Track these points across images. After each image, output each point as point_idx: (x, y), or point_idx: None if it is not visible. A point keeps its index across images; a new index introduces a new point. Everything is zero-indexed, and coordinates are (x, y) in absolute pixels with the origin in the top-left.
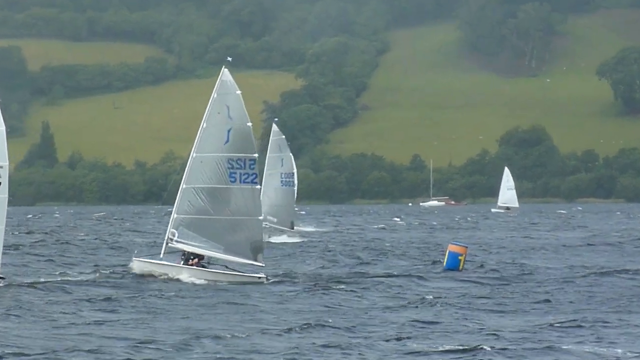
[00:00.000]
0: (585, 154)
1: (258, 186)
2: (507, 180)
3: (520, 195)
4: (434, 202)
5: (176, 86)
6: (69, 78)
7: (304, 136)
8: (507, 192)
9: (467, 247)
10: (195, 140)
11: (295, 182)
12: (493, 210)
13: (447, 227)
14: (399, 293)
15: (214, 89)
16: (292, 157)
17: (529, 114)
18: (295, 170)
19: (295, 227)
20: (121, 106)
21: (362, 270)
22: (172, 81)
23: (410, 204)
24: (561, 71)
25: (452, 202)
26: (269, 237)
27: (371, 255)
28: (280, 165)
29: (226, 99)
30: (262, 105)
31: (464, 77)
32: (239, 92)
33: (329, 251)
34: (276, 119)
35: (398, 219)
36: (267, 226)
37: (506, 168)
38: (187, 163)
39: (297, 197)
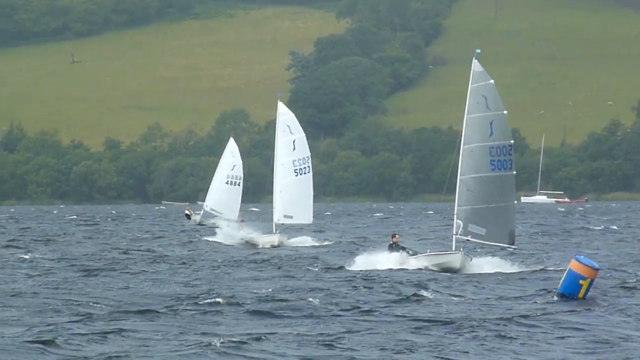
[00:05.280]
0: None
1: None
2: None
3: None
4: (539, 198)
5: (162, 31)
6: (4, 18)
7: (349, 103)
8: None
9: (598, 269)
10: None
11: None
12: None
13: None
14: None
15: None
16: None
17: None
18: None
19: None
20: (82, 59)
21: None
22: (157, 24)
23: None
24: None
25: (567, 200)
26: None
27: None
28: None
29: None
30: (288, 58)
31: (584, 14)
32: (492, 81)
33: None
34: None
35: None
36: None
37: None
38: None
39: (338, 192)
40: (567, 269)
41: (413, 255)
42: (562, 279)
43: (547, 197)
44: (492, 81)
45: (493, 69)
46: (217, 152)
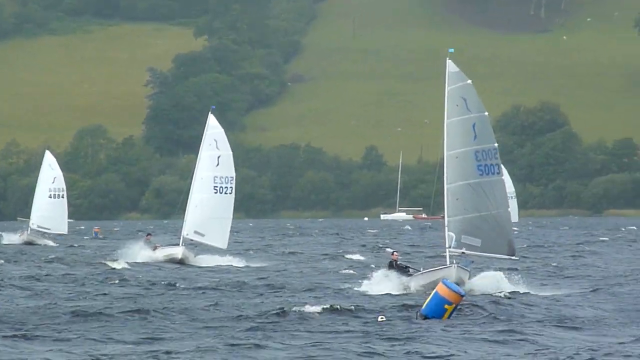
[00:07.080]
0: (619, 145)
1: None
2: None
3: (524, 205)
4: (399, 215)
5: (19, 47)
6: None
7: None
8: None
9: (463, 295)
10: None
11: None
12: None
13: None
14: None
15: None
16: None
17: (536, 87)
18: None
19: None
20: None
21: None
22: (13, 39)
23: (365, 219)
24: (584, 24)
25: (424, 216)
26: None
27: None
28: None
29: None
30: (146, 75)
31: (442, 34)
32: (469, 81)
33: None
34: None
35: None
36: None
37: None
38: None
39: None
40: (434, 291)
41: (409, 274)
42: (428, 300)
43: (407, 214)
44: (469, 81)
45: (350, 86)
46: (73, 168)
